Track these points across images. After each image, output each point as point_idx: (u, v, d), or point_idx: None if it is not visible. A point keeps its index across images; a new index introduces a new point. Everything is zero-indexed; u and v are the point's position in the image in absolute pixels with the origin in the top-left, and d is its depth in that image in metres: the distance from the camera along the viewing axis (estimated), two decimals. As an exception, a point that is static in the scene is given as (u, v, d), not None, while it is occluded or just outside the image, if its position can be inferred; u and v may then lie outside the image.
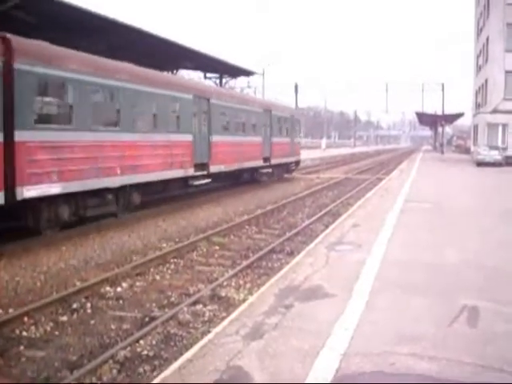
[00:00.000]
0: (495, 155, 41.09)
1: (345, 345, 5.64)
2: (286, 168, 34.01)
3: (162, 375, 5.31)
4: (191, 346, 6.67)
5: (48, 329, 8.19)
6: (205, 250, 13.63)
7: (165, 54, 26.26)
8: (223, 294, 9.84)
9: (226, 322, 6.55)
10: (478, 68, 55.98)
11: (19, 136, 12.17)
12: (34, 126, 12.67)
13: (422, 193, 21.11)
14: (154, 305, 9.39)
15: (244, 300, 8.84)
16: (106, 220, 15.80)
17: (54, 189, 13.22)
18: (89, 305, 9.27)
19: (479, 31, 55.30)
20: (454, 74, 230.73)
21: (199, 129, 21.32)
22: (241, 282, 10.74)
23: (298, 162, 36.44)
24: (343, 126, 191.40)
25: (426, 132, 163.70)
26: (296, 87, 72.51)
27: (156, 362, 7.04)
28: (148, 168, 17.37)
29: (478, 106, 54.98)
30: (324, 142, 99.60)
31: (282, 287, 7.88)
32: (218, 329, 6.33)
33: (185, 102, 19.98)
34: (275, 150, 30.75)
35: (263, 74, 62.88)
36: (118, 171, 15.79)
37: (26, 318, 8.41)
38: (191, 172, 20.51)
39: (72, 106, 13.92)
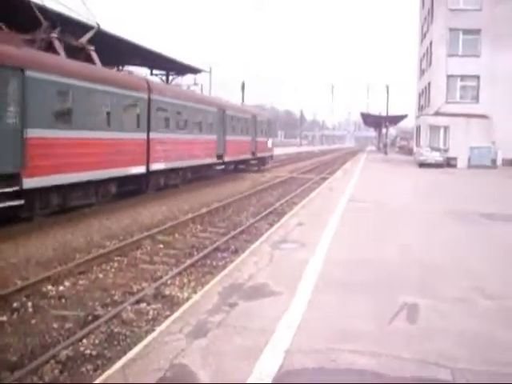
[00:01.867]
0: (437, 156, 41.94)
1: (288, 342, 5.72)
2: (264, 160, 43.62)
3: (105, 374, 5.27)
4: (135, 344, 6.64)
5: (-13, 329, 8.02)
6: (149, 248, 13.55)
7: (111, 50, 25.85)
8: (167, 293, 9.82)
9: (169, 321, 6.54)
10: (422, 71, 57.14)
11: (152, 135, 21.84)
12: (156, 130, 22.32)
13: (366, 193, 21.46)
14: (97, 303, 9.29)
15: (188, 298, 8.84)
16: (54, 217, 15.56)
17: (161, 166, 22.94)
18: (30, 304, 9.09)
19: (423, 35, 56.41)
20: (398, 77, 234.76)
21: (219, 131, 31.08)
22: (185, 280, 10.74)
23: (272, 156, 47.00)
24: (289, 125, 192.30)
25: (371, 133, 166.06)
26: (243, 85, 72.64)
27: (99, 362, 6.99)
28: (197, 156, 27.52)
29: (421, 108, 56.12)
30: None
31: (227, 285, 7.91)
32: (162, 327, 6.32)
33: (213, 113, 30.27)
34: (258, 147, 40.28)
35: (210, 72, 62.74)
36: (186, 157, 25.80)
37: (-36, 318, 8.23)
38: (215, 160, 30.70)
39: (168, 118, 23.87)
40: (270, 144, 45.09)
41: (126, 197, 20.70)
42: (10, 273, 10.75)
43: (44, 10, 17.44)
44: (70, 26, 18.79)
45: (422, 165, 41.21)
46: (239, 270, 8.88)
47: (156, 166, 22.13)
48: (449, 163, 42.48)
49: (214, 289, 7.79)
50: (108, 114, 18.44)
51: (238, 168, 38.14)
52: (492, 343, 5.86)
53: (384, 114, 72.52)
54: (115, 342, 7.63)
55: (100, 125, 17.93)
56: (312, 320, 6.43)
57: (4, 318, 8.46)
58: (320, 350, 5.52)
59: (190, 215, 18.24)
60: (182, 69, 35.77)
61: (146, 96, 21.33)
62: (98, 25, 20.02)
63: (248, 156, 37.97)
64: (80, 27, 19.59)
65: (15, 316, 8.61)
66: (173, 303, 9.26)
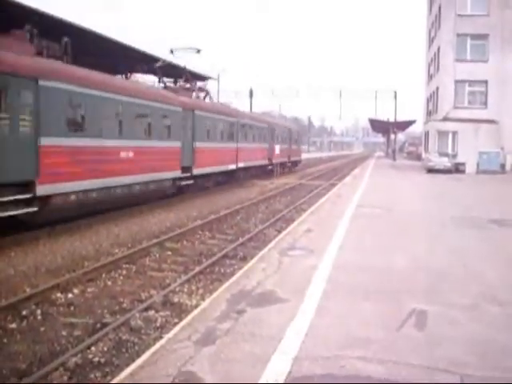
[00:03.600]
0: (445, 162, 41.78)
1: (296, 349, 5.70)
2: (295, 163, 55.65)
3: (114, 381, 5.28)
4: (143, 352, 6.64)
5: (-4, 336, 8.04)
6: (157, 255, 13.58)
7: (118, 57, 26.02)
8: (175, 300, 9.83)
9: (178, 328, 6.54)
10: (430, 76, 57.03)
11: (238, 145, 33.51)
12: (241, 141, 33.96)
13: (374, 199, 21.41)
14: (105, 311, 9.31)
15: (196, 306, 8.84)
16: (59, 226, 15.60)
17: (243, 165, 34.20)
18: (39, 311, 9.13)
19: (431, 40, 56.33)
20: (406, 82, 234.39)
21: (269, 141, 42.67)
22: (193, 287, 10.74)
23: (300, 161, 59.31)
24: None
25: (379, 138, 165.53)
26: (251, 92, 72.62)
27: (107, 369, 6.99)
28: (258, 159, 39.23)
29: (429, 113, 56.00)
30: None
31: (235, 292, 7.90)
32: (170, 335, 6.32)
33: (266, 128, 42.09)
34: (292, 153, 52.78)
35: (218, 79, 62.80)
36: (253, 159, 37.32)
37: (-27, 326, 8.26)
38: (267, 162, 42.23)
39: (246, 133, 35.50)
40: (299, 150, 59.44)
41: (130, 205, 20.72)
42: (19, 280, 10.80)
43: (189, 72, 30.36)
44: (196, 76, 33.54)
45: (431, 170, 41.09)
46: (247, 277, 8.87)
47: (240, 165, 34.02)
48: (457, 169, 42.35)
49: (223, 296, 7.79)
50: (222, 132, 30.87)
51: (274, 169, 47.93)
52: (502, 350, 5.82)
53: (392, 119, 72.30)
54: (123, 350, 7.64)
55: (219, 138, 30.18)
56: (320, 327, 6.41)
57: (13, 326, 8.49)
58: (328, 357, 5.50)
59: (198, 222, 18.26)
60: (190, 76, 35.85)
61: (236, 120, 33.71)
62: (214, 76, 36.08)
63: (286, 159, 50.03)
64: (200, 77, 35.33)
65: (24, 323, 8.64)
66: (181, 310, 9.26)
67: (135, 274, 11.84)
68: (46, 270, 11.66)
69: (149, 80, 34.92)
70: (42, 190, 14.23)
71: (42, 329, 8.40)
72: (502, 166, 42.77)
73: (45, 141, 14.36)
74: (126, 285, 10.97)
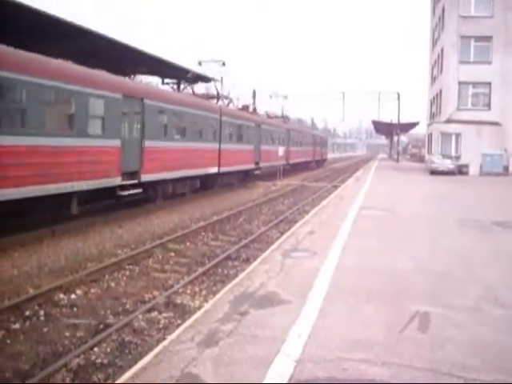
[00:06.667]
0: (448, 164, 41.68)
1: (299, 351, 5.70)
2: (324, 160, 75.95)
3: (117, 382, 5.28)
4: (146, 353, 6.64)
5: (-1, 337, 8.06)
6: (160, 256, 13.58)
7: (122, 59, 26.00)
8: (178, 301, 9.83)
9: (181, 330, 6.55)
10: (433, 78, 56.94)
11: (291, 148, 50.47)
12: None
13: (377, 201, 21.37)
14: (108, 312, 9.31)
15: (199, 307, 8.86)
16: (63, 225, 15.64)
17: (303, 159, 57.17)
18: (42, 312, 9.13)
19: (434, 42, 56.27)
20: (410, 84, 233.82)
21: (312, 145, 61.92)
22: (196, 289, 10.75)
23: (326, 159, 78.97)
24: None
25: (382, 140, 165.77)
26: (254, 94, 72.61)
27: (110, 370, 6.99)
28: (306, 156, 58.30)
29: (432, 115, 55.90)
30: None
31: (238, 294, 7.90)
32: (173, 336, 6.32)
33: (311, 136, 63.47)
34: (323, 153, 74.00)
35: (221, 81, 62.78)
36: (305, 157, 57.57)
37: (-24, 326, 8.28)
38: (311, 159, 62.18)
39: (303, 141, 57.32)
40: (326, 151, 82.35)
41: (133, 206, 20.74)
42: (23, 281, 10.81)
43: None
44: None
45: (434, 172, 40.97)
46: (250, 279, 8.87)
47: (301, 160, 54.17)
48: (460, 171, 42.24)
49: (225, 297, 7.79)
50: (292, 141, 49.35)
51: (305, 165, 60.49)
52: (505, 352, 5.82)
53: (395, 121, 72.23)
54: (126, 351, 7.64)
55: (293, 144, 49.27)
56: (323, 329, 6.40)
57: (17, 326, 8.50)
58: (331, 360, 5.50)
59: (201, 223, 18.26)
60: (194, 77, 35.86)
61: (300, 134, 54.95)
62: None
63: (319, 158, 68.87)
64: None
65: (27, 324, 8.65)
66: (184, 312, 9.26)
67: (138, 275, 11.84)
68: (49, 271, 11.67)
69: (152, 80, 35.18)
70: (220, 169, 29.70)
71: (45, 329, 8.41)
72: (506, 168, 42.64)
73: (222, 146, 29.74)
74: (129, 286, 10.98)
